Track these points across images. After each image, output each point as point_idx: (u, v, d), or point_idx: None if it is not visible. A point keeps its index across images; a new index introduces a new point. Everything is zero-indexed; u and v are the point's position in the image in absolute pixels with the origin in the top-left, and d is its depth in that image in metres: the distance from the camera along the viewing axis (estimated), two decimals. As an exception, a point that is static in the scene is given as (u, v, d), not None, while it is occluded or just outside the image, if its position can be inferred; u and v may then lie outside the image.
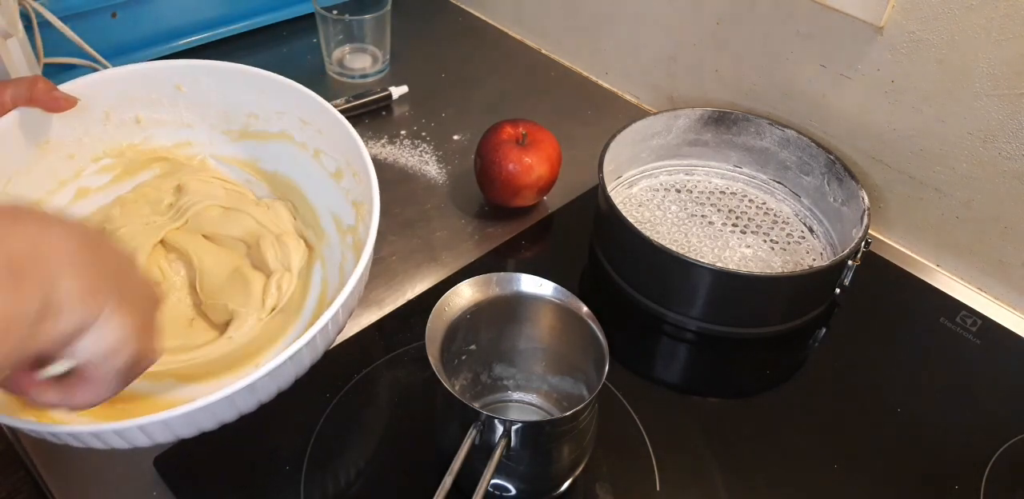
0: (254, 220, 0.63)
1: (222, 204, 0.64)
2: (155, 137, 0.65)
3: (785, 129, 0.72)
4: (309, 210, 0.65)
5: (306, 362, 0.49)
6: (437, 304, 0.49)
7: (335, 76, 0.91)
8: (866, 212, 0.64)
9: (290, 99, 0.62)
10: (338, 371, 0.60)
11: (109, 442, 0.44)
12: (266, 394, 0.47)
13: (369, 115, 0.86)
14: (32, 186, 0.60)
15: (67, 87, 0.59)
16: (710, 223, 0.72)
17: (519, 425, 0.46)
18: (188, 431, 0.45)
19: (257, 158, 0.67)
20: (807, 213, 0.73)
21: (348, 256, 0.60)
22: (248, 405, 0.47)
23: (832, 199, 0.70)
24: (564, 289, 0.50)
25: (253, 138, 0.66)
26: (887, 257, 0.73)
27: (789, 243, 0.71)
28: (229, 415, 0.46)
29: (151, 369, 0.42)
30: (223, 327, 0.58)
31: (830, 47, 0.70)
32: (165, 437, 0.45)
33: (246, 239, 0.63)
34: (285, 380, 0.48)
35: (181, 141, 0.66)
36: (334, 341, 0.53)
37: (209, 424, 0.46)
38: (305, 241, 0.64)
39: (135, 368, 0.38)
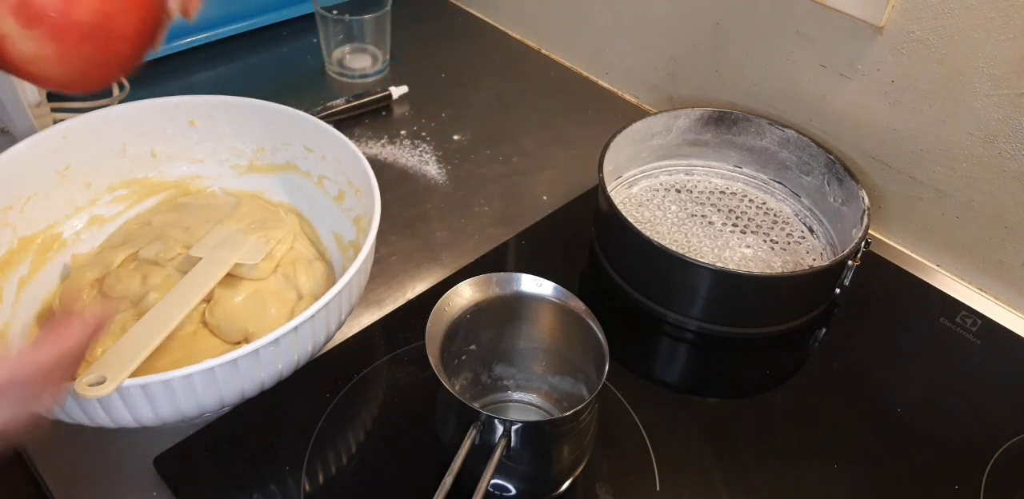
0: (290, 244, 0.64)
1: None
2: (168, 171, 0.67)
3: (785, 129, 0.72)
4: (312, 232, 0.67)
5: (292, 353, 0.49)
6: (437, 304, 0.49)
7: (335, 76, 0.91)
8: (866, 212, 0.64)
9: (295, 128, 0.64)
10: (338, 371, 0.60)
11: (91, 414, 0.45)
12: (251, 382, 0.48)
13: (369, 115, 0.86)
14: (49, 210, 0.62)
15: (87, 118, 0.61)
16: (710, 223, 0.72)
17: (519, 425, 0.46)
18: (168, 410, 0.46)
19: (263, 189, 0.69)
20: (807, 213, 0.73)
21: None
22: (231, 390, 0.47)
23: (832, 199, 0.70)
24: (564, 289, 0.50)
25: (260, 172, 0.68)
26: (887, 257, 0.73)
27: (789, 243, 0.71)
28: (210, 398, 0.46)
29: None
30: (234, 345, 0.58)
31: (830, 47, 0.70)
32: (146, 414, 0.45)
33: (280, 261, 0.63)
34: (269, 371, 0.48)
35: (192, 175, 0.68)
36: (323, 345, 0.53)
37: (189, 405, 0.46)
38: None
39: None
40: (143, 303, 0.58)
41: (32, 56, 0.32)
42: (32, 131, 0.69)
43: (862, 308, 0.68)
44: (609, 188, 0.66)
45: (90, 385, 0.42)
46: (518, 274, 0.50)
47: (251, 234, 0.62)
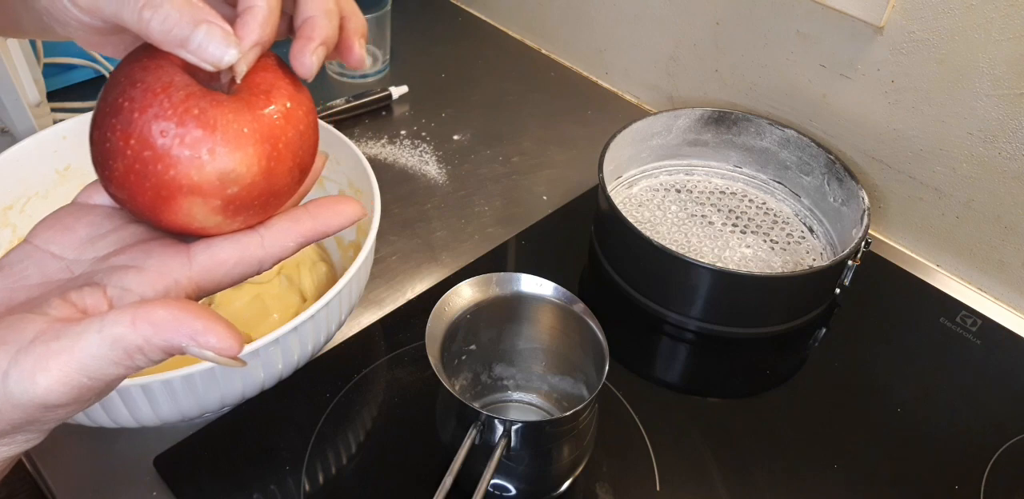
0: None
1: None
2: None
3: (785, 129, 0.72)
4: None
5: (292, 353, 0.49)
6: (437, 304, 0.49)
7: (335, 76, 0.91)
8: (866, 212, 0.64)
9: None
10: (338, 371, 0.60)
11: (91, 413, 0.45)
12: (251, 382, 0.48)
13: (369, 115, 0.86)
14: (49, 210, 0.60)
15: (87, 118, 0.60)
16: (710, 223, 0.72)
17: (519, 425, 0.46)
18: (168, 410, 0.46)
19: None
20: (807, 213, 0.73)
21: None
22: (231, 390, 0.47)
23: (832, 199, 0.70)
24: (564, 289, 0.50)
25: None
26: (887, 257, 0.73)
27: (789, 243, 0.71)
28: (210, 398, 0.46)
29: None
30: None
31: (830, 47, 0.70)
32: (146, 414, 0.45)
33: (283, 264, 0.62)
34: (269, 371, 0.48)
35: None
36: (323, 345, 0.53)
37: (189, 405, 0.46)
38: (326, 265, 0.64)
39: None
40: None
41: (218, 229, 0.32)
42: (32, 131, 0.69)
43: (862, 308, 0.68)
44: (609, 188, 0.66)
45: None
46: (518, 274, 0.50)
47: None
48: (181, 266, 0.30)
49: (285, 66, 0.33)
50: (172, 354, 0.27)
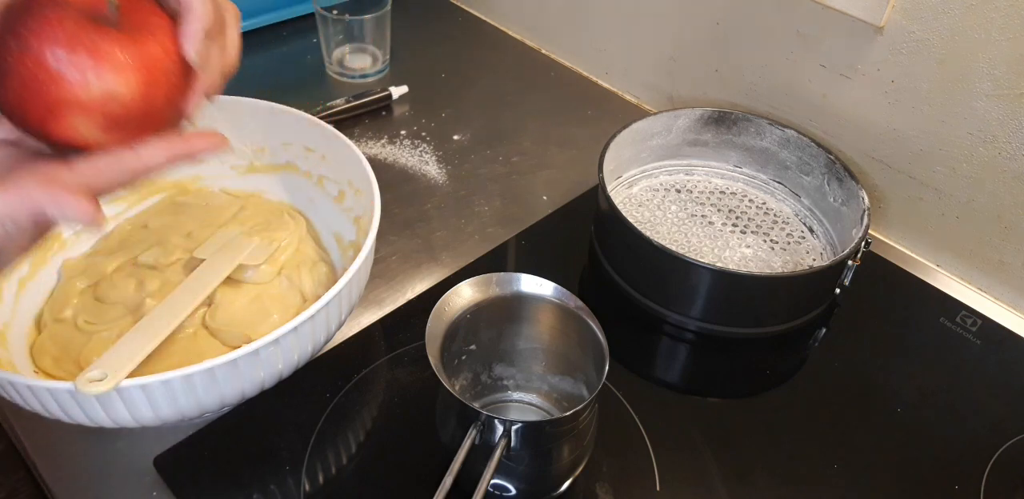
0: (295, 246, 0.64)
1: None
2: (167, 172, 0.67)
3: (785, 129, 0.72)
4: (312, 232, 0.67)
5: (292, 353, 0.49)
6: (437, 304, 0.49)
7: (335, 76, 0.91)
8: (866, 212, 0.64)
9: (295, 128, 0.64)
10: (338, 371, 0.60)
11: (91, 413, 0.45)
12: (251, 382, 0.48)
13: (369, 115, 0.86)
14: None
15: None
16: (710, 223, 0.72)
17: (519, 425, 0.46)
18: (168, 410, 0.46)
19: (263, 189, 0.69)
20: (807, 213, 0.73)
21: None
22: (231, 390, 0.47)
23: (832, 199, 0.70)
24: (564, 289, 0.50)
25: (260, 172, 0.69)
26: (887, 257, 0.73)
27: (789, 243, 0.71)
28: (210, 398, 0.46)
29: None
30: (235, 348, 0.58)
31: (830, 47, 0.70)
32: (146, 414, 0.45)
33: (284, 264, 0.62)
34: (269, 371, 0.48)
35: (192, 175, 0.68)
36: (323, 345, 0.53)
37: (189, 405, 0.46)
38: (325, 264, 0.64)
39: None
40: (140, 309, 0.57)
41: (99, 146, 0.37)
42: (32, 131, 0.69)
43: (862, 308, 0.68)
44: (609, 188, 0.66)
45: (91, 381, 0.42)
46: (518, 274, 0.50)
47: (255, 236, 0.62)
48: (67, 172, 0.35)
49: (167, 7, 0.38)
50: (38, 221, 0.34)
